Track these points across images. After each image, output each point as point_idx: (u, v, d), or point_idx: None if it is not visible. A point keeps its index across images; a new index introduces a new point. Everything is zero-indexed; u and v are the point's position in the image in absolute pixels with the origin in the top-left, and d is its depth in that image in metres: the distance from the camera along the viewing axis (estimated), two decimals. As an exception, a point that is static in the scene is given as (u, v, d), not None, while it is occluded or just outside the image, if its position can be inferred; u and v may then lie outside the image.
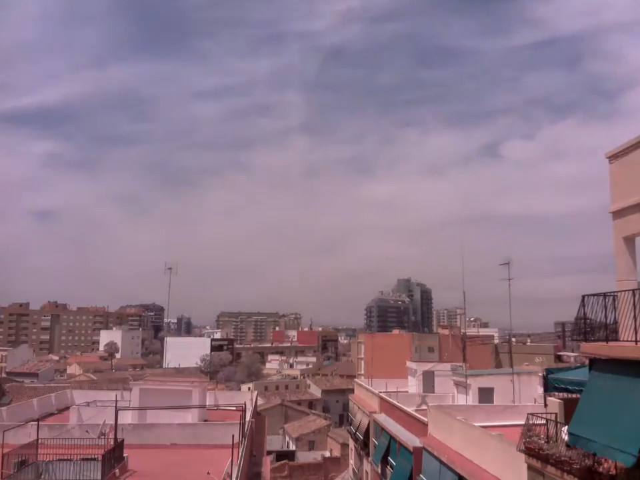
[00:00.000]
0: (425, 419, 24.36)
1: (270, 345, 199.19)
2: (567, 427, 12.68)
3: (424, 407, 29.36)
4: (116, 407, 20.61)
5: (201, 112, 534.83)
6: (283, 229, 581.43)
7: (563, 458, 12.22)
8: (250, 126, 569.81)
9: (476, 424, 20.62)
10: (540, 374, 27.08)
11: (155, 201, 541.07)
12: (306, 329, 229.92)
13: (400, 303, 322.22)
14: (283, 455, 58.14)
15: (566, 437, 12.44)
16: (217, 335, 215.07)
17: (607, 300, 11.99)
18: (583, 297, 12.41)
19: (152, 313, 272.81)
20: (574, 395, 15.15)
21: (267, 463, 24.76)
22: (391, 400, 31.72)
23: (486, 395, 30.17)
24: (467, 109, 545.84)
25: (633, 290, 11.37)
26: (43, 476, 15.97)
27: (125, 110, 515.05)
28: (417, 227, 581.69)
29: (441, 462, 20.51)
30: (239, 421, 20.26)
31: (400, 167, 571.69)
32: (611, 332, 11.88)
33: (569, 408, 13.89)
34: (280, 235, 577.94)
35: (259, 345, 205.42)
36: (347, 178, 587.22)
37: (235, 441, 17.49)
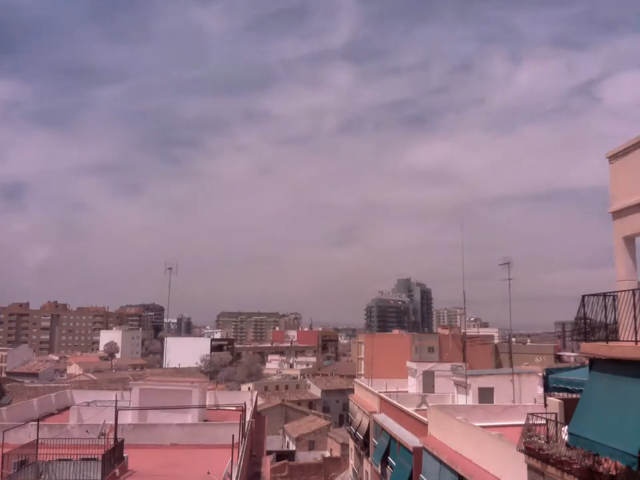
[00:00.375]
0: (425, 419, 24.36)
1: (270, 345, 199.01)
2: (566, 427, 12.68)
3: (424, 406, 29.36)
4: (116, 407, 20.59)
5: (205, 23, 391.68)
6: (296, 211, 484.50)
7: (563, 458, 12.23)
8: (274, 49, 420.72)
9: (476, 424, 20.61)
10: (540, 374, 27.08)
11: (146, 171, 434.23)
12: (306, 329, 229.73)
13: (400, 302, 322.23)
14: (283, 455, 58.13)
15: (566, 437, 12.44)
16: (217, 335, 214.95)
17: (606, 300, 11.99)
18: (583, 297, 12.41)
19: (152, 313, 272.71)
20: (574, 395, 15.14)
21: (267, 463, 24.74)
22: (390, 400, 31.71)
23: (486, 395, 30.16)
24: (581, 11, 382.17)
25: (633, 290, 11.37)
26: (43, 476, 15.96)
27: (100, 23, 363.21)
28: (463, 206, 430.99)
29: (440, 462, 20.51)
30: (238, 421, 20.25)
31: (464, 116, 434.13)
32: (611, 332, 11.88)
33: (569, 408, 13.89)
34: (291, 220, 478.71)
35: (259, 345, 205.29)
36: (390, 134, 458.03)
37: (235, 441, 17.48)
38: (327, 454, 59.64)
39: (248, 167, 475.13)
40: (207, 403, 27.38)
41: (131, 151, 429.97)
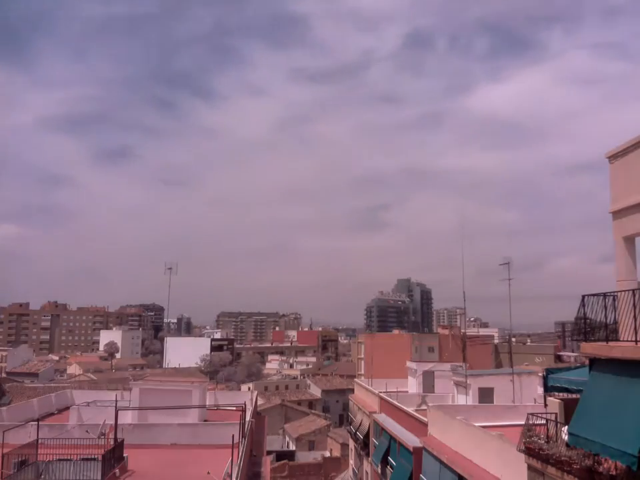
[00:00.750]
0: (425, 419, 24.36)
1: (270, 345, 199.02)
2: (566, 427, 12.68)
3: (424, 406, 29.36)
4: (116, 407, 20.59)
5: None
6: (317, 184, 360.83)
7: (563, 458, 12.22)
8: None
9: (476, 424, 20.61)
10: (540, 374, 27.08)
11: (135, 126, 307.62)
12: (306, 329, 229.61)
13: (400, 302, 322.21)
14: (283, 455, 58.13)
15: (566, 437, 12.44)
16: (217, 335, 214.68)
17: (606, 300, 11.99)
18: (583, 296, 12.41)
19: (152, 313, 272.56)
20: (574, 395, 15.14)
21: (267, 463, 24.75)
22: (391, 400, 31.71)
23: (486, 394, 30.15)
24: None
25: (633, 290, 11.37)
26: (42, 476, 15.96)
27: None
28: (527, 176, 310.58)
29: (440, 462, 20.51)
30: (238, 421, 20.25)
31: (578, 23, 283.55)
32: (611, 332, 11.88)
33: (569, 408, 13.89)
34: (309, 196, 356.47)
35: (259, 345, 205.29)
36: (465, 58, 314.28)
37: (235, 441, 17.48)
38: (327, 454, 59.66)
39: (265, 121, 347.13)
40: (207, 403, 27.38)
41: (112, 93, 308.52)
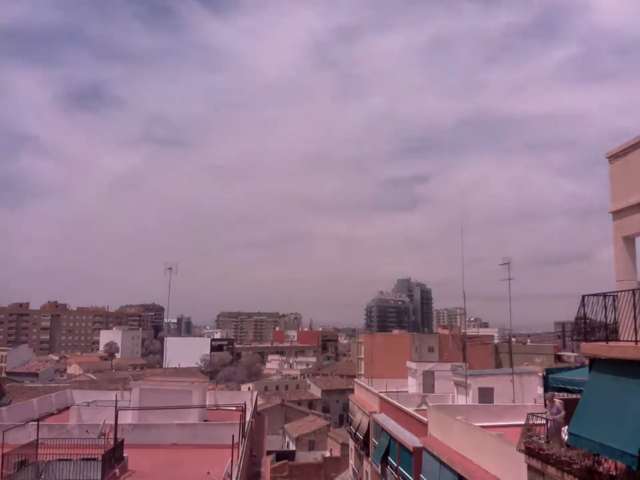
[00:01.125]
0: (425, 419, 24.36)
1: (270, 344, 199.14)
2: (567, 427, 12.69)
3: (424, 406, 29.35)
4: (116, 407, 20.58)
5: None
6: (353, 144, 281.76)
7: (562, 458, 12.23)
8: None
9: (476, 424, 20.62)
10: (540, 374, 27.08)
11: (114, 47, 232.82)
12: (306, 329, 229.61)
13: (400, 303, 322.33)
14: (283, 455, 58.15)
15: (566, 437, 12.44)
16: (217, 335, 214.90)
17: (606, 300, 11.99)
18: (583, 297, 12.41)
19: (152, 313, 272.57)
20: (574, 395, 15.15)
21: (267, 463, 24.74)
22: (391, 400, 31.70)
23: (486, 395, 30.15)
24: None
25: (633, 290, 11.37)
26: (42, 476, 15.95)
27: None
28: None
29: (440, 462, 20.51)
30: (239, 421, 20.25)
31: None
32: (611, 332, 11.88)
33: (569, 408, 13.89)
34: (340, 162, 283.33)
35: (259, 345, 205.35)
36: None
37: (235, 441, 17.47)
38: (327, 454, 59.68)
39: (294, 37, 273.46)
40: (207, 403, 27.37)
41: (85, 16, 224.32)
